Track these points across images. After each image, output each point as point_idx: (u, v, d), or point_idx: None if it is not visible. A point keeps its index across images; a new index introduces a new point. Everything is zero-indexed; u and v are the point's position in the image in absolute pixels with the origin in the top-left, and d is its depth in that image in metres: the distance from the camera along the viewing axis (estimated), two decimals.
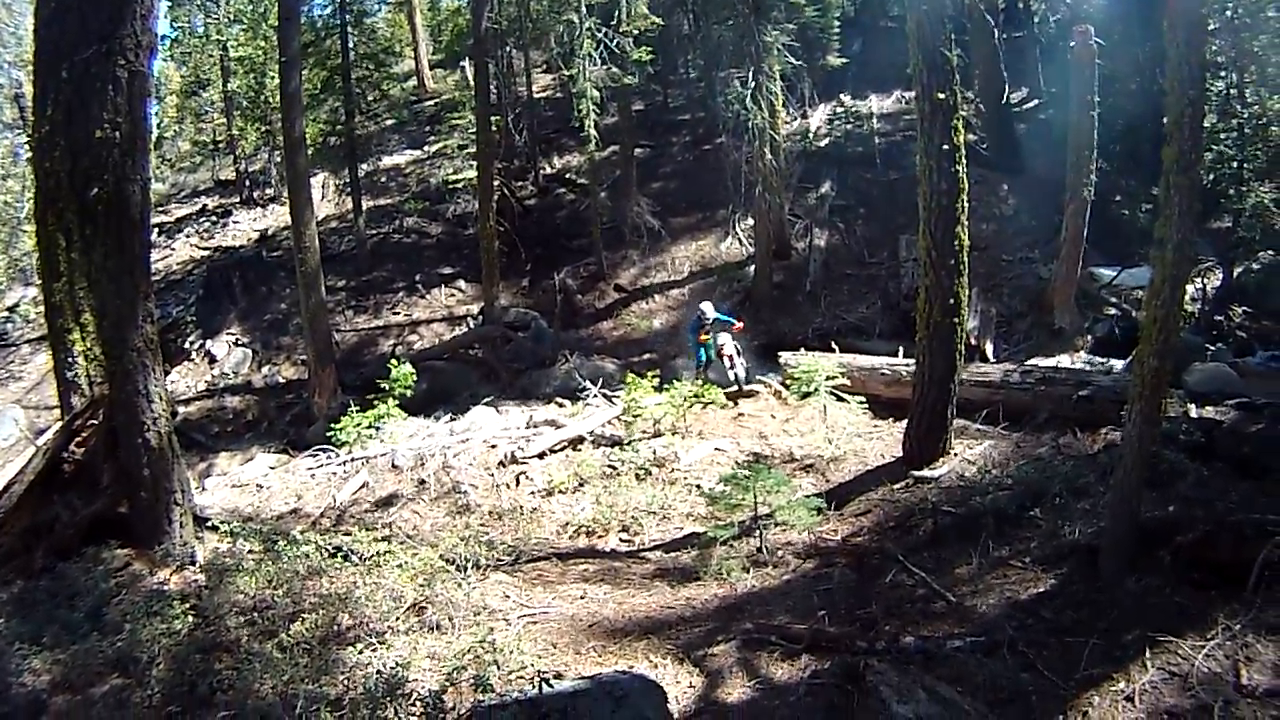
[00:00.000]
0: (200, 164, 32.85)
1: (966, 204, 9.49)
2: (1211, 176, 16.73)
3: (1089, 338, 16.67)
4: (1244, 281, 16.89)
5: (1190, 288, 16.34)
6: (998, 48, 19.06)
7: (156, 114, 31.54)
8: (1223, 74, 17.28)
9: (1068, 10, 20.92)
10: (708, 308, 14.85)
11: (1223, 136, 17.03)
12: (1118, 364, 13.65)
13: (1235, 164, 16.85)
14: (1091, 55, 15.51)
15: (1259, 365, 14.10)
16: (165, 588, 7.00)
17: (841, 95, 26.31)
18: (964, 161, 9.42)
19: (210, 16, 29.72)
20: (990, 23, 17.13)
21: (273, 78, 25.22)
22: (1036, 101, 24.39)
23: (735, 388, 13.97)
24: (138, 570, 7.16)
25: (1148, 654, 5.50)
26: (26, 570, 6.88)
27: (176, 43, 30.76)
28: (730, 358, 14.20)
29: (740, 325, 14.95)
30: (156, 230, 24.47)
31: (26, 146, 29.60)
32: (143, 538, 7.44)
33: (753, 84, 18.86)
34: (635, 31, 20.91)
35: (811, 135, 25.10)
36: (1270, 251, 17.04)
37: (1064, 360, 15.16)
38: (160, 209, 27.06)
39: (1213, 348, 14.63)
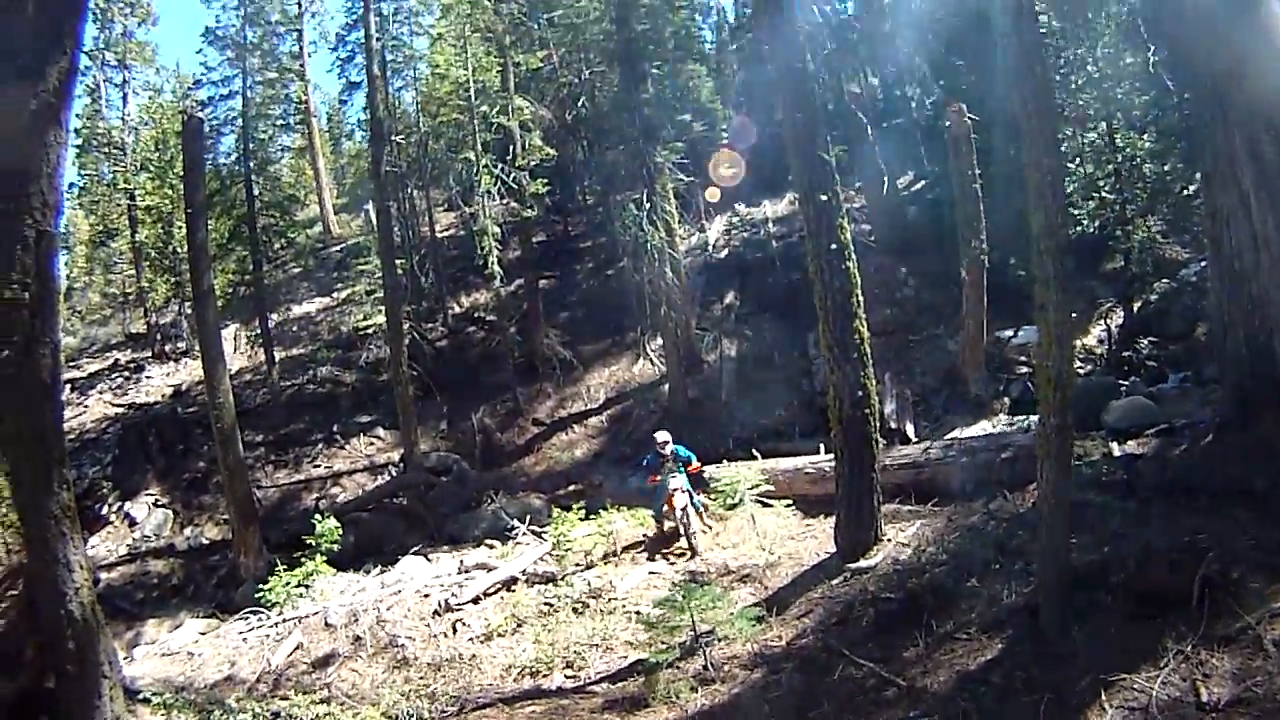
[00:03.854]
0: (110, 316, 32.54)
1: (861, 297, 9.79)
2: (1096, 222, 17.81)
3: (1005, 400, 17.08)
4: (1145, 314, 17.60)
5: (1094, 331, 17.46)
6: (874, 141, 19.87)
7: (65, 264, 31.54)
8: (1091, 125, 18.31)
9: (940, 91, 21.82)
10: (662, 436, 13.15)
11: (1101, 183, 17.99)
12: (1035, 420, 14.06)
13: (1118, 206, 17.79)
14: (967, 131, 16.22)
15: (1173, 389, 14.49)
16: None
17: (736, 205, 26.92)
18: (854, 256, 9.74)
19: (118, 165, 29.78)
20: (864, 120, 17.84)
21: (180, 227, 25.30)
22: (923, 183, 25.12)
23: (688, 543, 12.23)
24: None
25: (1104, 695, 5.59)
26: None
27: (85, 191, 30.86)
28: (682, 509, 12.28)
29: (697, 466, 13.23)
30: (69, 386, 24.02)
31: None
32: (71, 716, 7.03)
33: (648, 205, 19.36)
34: (531, 164, 21.45)
35: (711, 247, 25.67)
36: (1164, 280, 17.91)
37: (985, 426, 15.57)
38: (72, 364, 26.69)
39: (1126, 383, 14.97)
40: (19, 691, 6.95)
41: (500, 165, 21.37)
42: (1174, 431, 9.90)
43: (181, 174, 20.81)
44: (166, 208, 27.09)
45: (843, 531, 10.23)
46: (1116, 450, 9.85)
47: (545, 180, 21.93)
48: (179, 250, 26.58)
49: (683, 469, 12.77)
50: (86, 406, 25.19)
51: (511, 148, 21.67)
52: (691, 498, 12.59)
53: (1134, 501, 8.33)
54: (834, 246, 9.58)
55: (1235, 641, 5.68)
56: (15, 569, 6.92)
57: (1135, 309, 17.92)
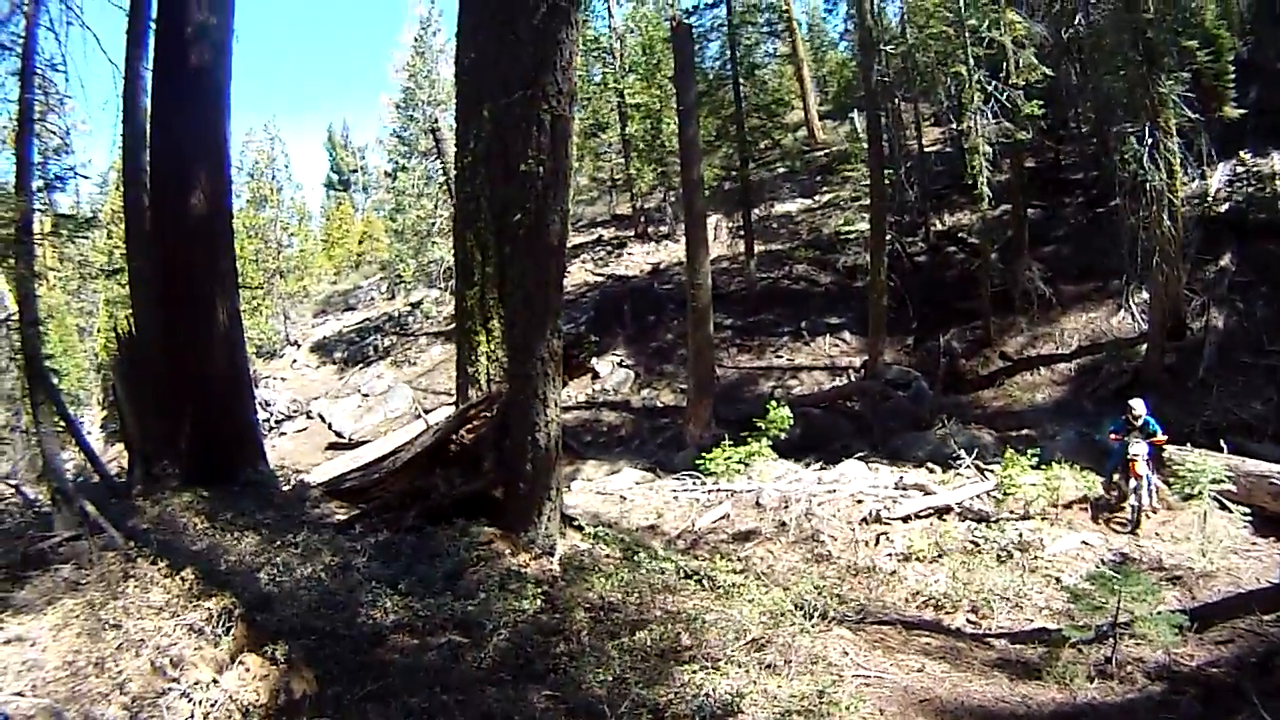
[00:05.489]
0: (597, 198, 35.84)
1: None
2: None
3: None
4: None
5: None
6: None
7: None
8: None
9: None
10: (1139, 406, 12.31)
11: None
12: None
13: None
14: None
15: None
16: (522, 570, 7.30)
17: (1241, 153, 23.38)
18: None
19: (607, 67, 32.42)
20: None
21: (668, 123, 27.16)
22: None
23: (1132, 515, 11.71)
24: (499, 549, 7.54)
25: None
26: (397, 525, 7.64)
27: (578, 89, 33.83)
28: (1140, 477, 11.67)
29: (1163, 440, 12.40)
30: None
31: (440, 172, 34.13)
32: (510, 523, 7.94)
33: (1149, 140, 17.70)
34: (1024, 84, 20.22)
35: (1211, 199, 22.77)
36: None
37: None
38: (567, 236, 29.81)
39: None
40: (472, 492, 8.02)
41: (992, 82, 20.36)
42: None
43: (670, 76, 22.15)
44: (654, 106, 29.15)
45: None
46: None
47: (1039, 101, 20.55)
48: (666, 143, 28.64)
49: (1150, 439, 12.02)
50: (570, 272, 27.99)
51: (1004, 65, 20.46)
52: (1151, 471, 11.85)
53: None
54: None
55: None
56: (494, 395, 7.89)
57: None
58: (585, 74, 32.75)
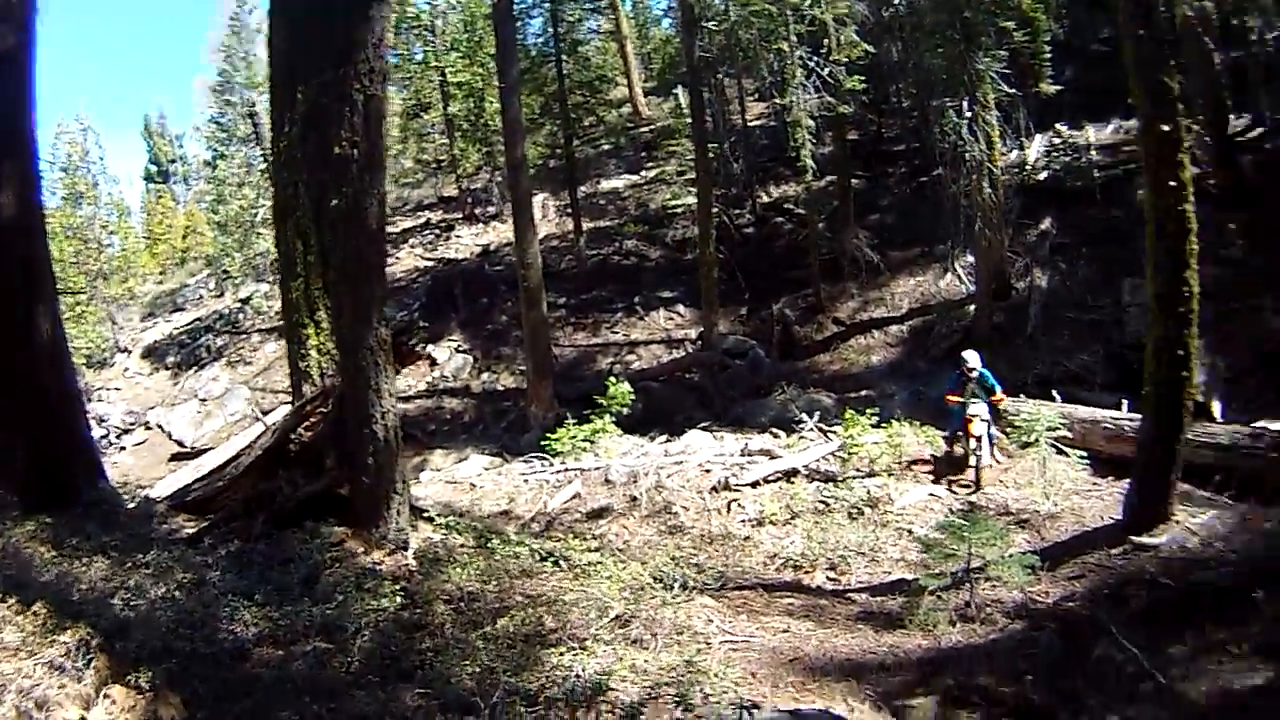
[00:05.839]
0: (423, 181, 35.01)
1: (1196, 247, 8.89)
2: None
3: None
4: None
5: None
6: (1218, 71, 17.54)
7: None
8: None
9: None
10: (971, 357, 12.43)
11: None
12: None
13: None
14: None
15: None
16: (377, 567, 7.26)
17: (1057, 125, 24.83)
18: (1192, 199, 8.81)
19: (428, 45, 31.62)
20: (1207, 44, 15.70)
21: (491, 101, 26.70)
22: (1260, 130, 21.96)
23: (975, 476, 11.70)
24: (352, 548, 7.45)
25: None
26: (246, 533, 7.37)
27: (397, 69, 32.69)
28: (978, 439, 11.73)
29: (1001, 398, 12.39)
30: None
31: (261, 159, 32.66)
32: (359, 520, 7.77)
33: (969, 114, 18.43)
34: (846, 60, 20.77)
35: (1029, 168, 23.93)
36: None
37: None
38: (386, 220, 28.88)
39: None
40: (316, 491, 7.81)
41: (814, 59, 20.84)
42: None
43: (492, 53, 21.80)
44: (477, 84, 28.57)
45: (1133, 500, 9.59)
46: None
47: (861, 77, 21.16)
48: (490, 122, 28.14)
49: (985, 398, 12.11)
50: (398, 258, 27.63)
51: (826, 41, 20.97)
52: (989, 429, 12.02)
53: None
54: (1173, 184, 8.68)
55: None
56: (328, 390, 7.77)
57: None
58: (406, 52, 31.95)
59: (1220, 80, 18.47)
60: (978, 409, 11.92)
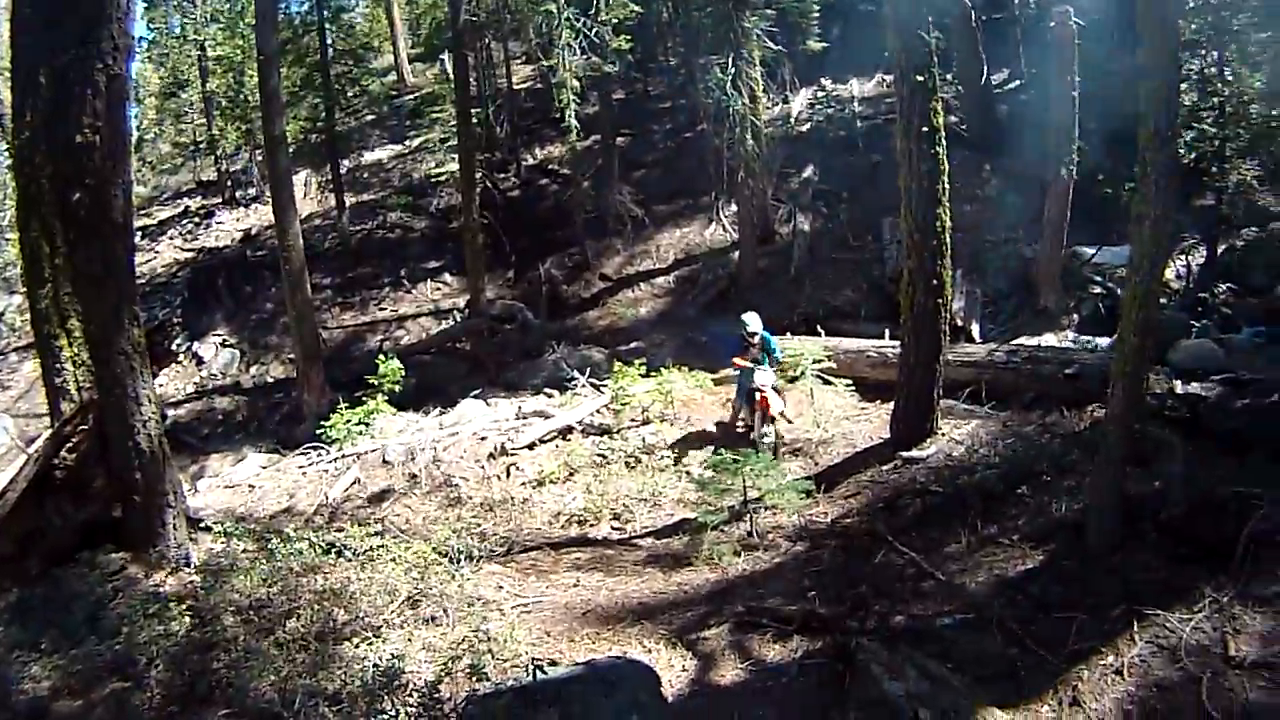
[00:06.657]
0: (181, 165, 32.72)
1: (948, 186, 9.55)
2: (1193, 154, 16.37)
3: (1074, 316, 16.53)
4: (1227, 259, 16.70)
5: (1174, 266, 16.27)
6: (976, 30, 18.91)
7: (136, 116, 31.32)
8: (1202, 52, 16.96)
9: None
10: (752, 320, 11.85)
11: (1204, 115, 16.64)
12: (1103, 342, 13.47)
13: (1217, 142, 16.45)
14: (1071, 36, 15.46)
15: (1244, 342, 13.92)
16: (161, 590, 7.03)
17: (822, 80, 26.05)
18: (944, 143, 9.47)
19: (187, 17, 29.53)
20: (968, 5, 16.96)
21: (251, 76, 25.09)
22: (1018, 83, 23.98)
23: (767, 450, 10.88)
24: (133, 574, 7.18)
25: (1135, 627, 5.62)
26: (21, 577, 6.89)
27: (154, 44, 30.66)
28: (773, 420, 11.22)
29: (783, 364, 12.15)
30: (140, 233, 24.31)
31: (7, 153, 29.69)
32: (137, 541, 7.44)
33: (733, 70, 18.76)
34: (614, 20, 20.86)
35: (793, 120, 24.90)
36: (1253, 228, 16.94)
37: (1050, 339, 15.06)
38: (143, 212, 26.86)
39: (1197, 325, 14.36)
40: (89, 518, 7.33)
41: (582, 20, 20.82)
42: (1240, 383, 9.47)
43: (253, 24, 20.63)
44: (237, 58, 26.88)
45: (899, 419, 10.28)
46: (1179, 388, 9.48)
47: (628, 37, 21.33)
48: (250, 99, 26.47)
49: (766, 360, 11.55)
50: (158, 252, 25.67)
51: (595, 2, 21.01)
52: (779, 400, 11.37)
53: (1193, 443, 8.03)
54: (925, 129, 9.31)
55: (1272, 603, 5.62)
56: (87, 405, 7.21)
57: (1218, 252, 16.87)
58: (164, 26, 29.98)
59: (978, 37, 19.70)
60: (767, 377, 11.37)
